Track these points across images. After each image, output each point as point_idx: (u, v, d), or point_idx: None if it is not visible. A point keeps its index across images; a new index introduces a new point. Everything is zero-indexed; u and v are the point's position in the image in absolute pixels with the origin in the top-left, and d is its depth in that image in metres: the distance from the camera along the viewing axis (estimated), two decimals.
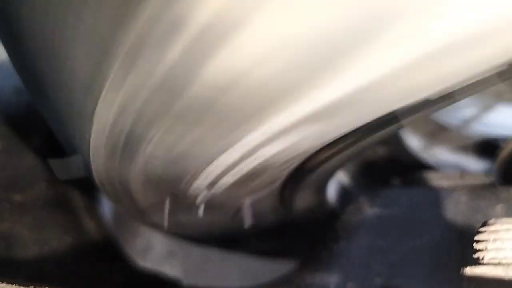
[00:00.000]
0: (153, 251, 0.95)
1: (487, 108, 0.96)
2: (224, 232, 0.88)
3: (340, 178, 0.97)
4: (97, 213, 0.91)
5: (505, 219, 0.45)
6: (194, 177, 0.54)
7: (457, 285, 0.43)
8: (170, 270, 0.94)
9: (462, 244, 0.69)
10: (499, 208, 0.72)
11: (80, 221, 0.88)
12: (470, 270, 0.42)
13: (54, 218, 0.85)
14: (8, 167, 0.83)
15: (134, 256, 0.93)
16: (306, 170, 0.63)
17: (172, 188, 0.58)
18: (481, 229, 0.45)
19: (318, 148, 0.52)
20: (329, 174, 0.82)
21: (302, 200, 0.84)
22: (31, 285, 0.50)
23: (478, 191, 0.75)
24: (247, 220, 0.71)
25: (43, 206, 0.84)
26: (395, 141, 1.00)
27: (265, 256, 0.96)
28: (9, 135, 0.85)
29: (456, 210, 0.74)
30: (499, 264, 0.41)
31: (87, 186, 0.87)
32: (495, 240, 0.43)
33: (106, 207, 0.92)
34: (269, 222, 0.85)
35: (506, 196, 0.73)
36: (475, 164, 0.97)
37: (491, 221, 0.45)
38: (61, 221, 0.85)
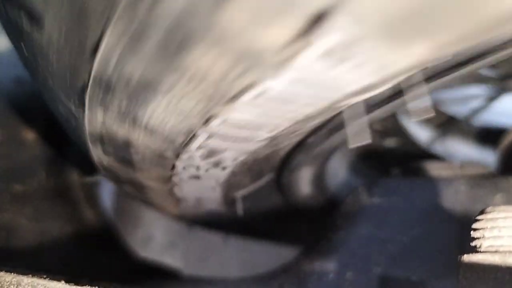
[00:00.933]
0: (153, 241, 0.96)
1: (492, 98, 0.95)
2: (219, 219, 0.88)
3: (339, 167, 0.97)
4: (97, 203, 0.91)
5: (502, 207, 0.45)
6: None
7: (456, 274, 0.43)
8: (171, 260, 0.95)
9: (462, 233, 0.69)
10: (498, 197, 0.72)
11: (80, 211, 0.88)
12: (467, 258, 0.42)
13: (54, 208, 0.85)
14: (9, 158, 0.83)
15: (135, 246, 0.93)
16: (304, 147, 0.62)
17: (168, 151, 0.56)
18: (479, 217, 0.45)
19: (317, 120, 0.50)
20: (326, 156, 0.81)
21: (301, 188, 0.84)
22: (29, 274, 0.51)
23: (478, 181, 0.75)
24: (239, 211, 0.71)
25: (43, 196, 0.84)
26: (396, 130, 0.99)
27: (265, 246, 0.96)
28: (9, 126, 0.85)
29: (455, 200, 0.74)
30: (496, 252, 0.41)
31: (88, 171, 0.87)
32: (492, 228, 0.43)
33: (107, 197, 0.93)
34: (268, 212, 0.85)
35: (505, 186, 0.73)
36: (476, 153, 0.97)
37: (489, 209, 0.45)
38: (61, 211, 0.86)
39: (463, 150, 0.98)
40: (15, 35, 0.47)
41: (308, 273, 0.74)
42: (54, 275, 0.52)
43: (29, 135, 0.86)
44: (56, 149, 0.87)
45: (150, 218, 0.96)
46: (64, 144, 0.87)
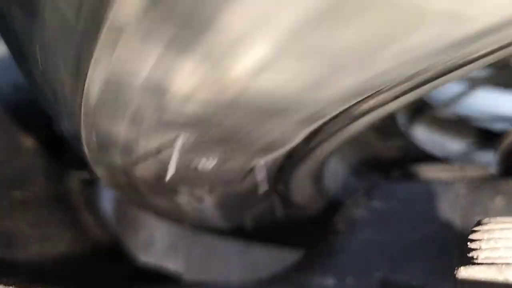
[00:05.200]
0: (155, 244, 0.96)
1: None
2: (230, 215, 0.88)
3: (339, 171, 0.97)
4: (97, 209, 0.92)
5: (499, 218, 0.44)
6: None
7: (454, 286, 0.43)
8: (172, 264, 0.95)
9: (461, 237, 0.68)
10: (498, 200, 0.72)
11: (80, 217, 0.89)
12: (463, 270, 0.42)
13: (55, 214, 0.85)
14: (8, 164, 0.83)
15: (136, 251, 0.94)
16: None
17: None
18: (475, 228, 0.45)
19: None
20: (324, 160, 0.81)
21: (300, 191, 0.84)
22: (27, 286, 0.51)
23: (478, 183, 0.75)
24: (262, 184, 0.63)
25: (43, 202, 0.84)
26: (396, 133, 0.99)
27: (267, 249, 0.97)
28: (8, 132, 0.85)
29: (455, 202, 0.74)
30: (492, 264, 0.41)
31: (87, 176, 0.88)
32: (489, 239, 0.43)
33: (107, 201, 0.93)
34: (269, 216, 0.85)
35: (505, 189, 0.73)
36: (477, 155, 0.96)
37: (485, 220, 0.45)
38: (62, 217, 0.86)
39: (462, 151, 0.97)
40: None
41: (309, 278, 0.74)
42: (53, 286, 0.52)
43: (28, 141, 0.86)
44: (55, 155, 0.87)
45: (151, 221, 0.96)
46: (63, 149, 0.88)
